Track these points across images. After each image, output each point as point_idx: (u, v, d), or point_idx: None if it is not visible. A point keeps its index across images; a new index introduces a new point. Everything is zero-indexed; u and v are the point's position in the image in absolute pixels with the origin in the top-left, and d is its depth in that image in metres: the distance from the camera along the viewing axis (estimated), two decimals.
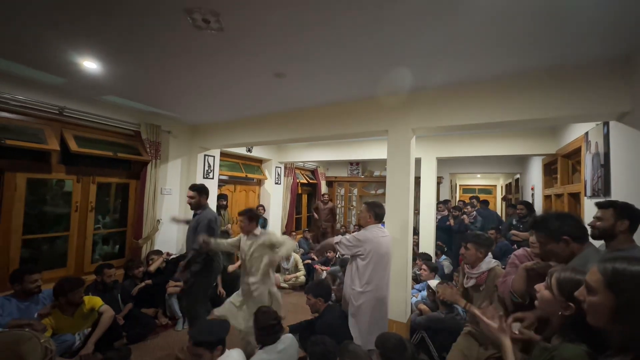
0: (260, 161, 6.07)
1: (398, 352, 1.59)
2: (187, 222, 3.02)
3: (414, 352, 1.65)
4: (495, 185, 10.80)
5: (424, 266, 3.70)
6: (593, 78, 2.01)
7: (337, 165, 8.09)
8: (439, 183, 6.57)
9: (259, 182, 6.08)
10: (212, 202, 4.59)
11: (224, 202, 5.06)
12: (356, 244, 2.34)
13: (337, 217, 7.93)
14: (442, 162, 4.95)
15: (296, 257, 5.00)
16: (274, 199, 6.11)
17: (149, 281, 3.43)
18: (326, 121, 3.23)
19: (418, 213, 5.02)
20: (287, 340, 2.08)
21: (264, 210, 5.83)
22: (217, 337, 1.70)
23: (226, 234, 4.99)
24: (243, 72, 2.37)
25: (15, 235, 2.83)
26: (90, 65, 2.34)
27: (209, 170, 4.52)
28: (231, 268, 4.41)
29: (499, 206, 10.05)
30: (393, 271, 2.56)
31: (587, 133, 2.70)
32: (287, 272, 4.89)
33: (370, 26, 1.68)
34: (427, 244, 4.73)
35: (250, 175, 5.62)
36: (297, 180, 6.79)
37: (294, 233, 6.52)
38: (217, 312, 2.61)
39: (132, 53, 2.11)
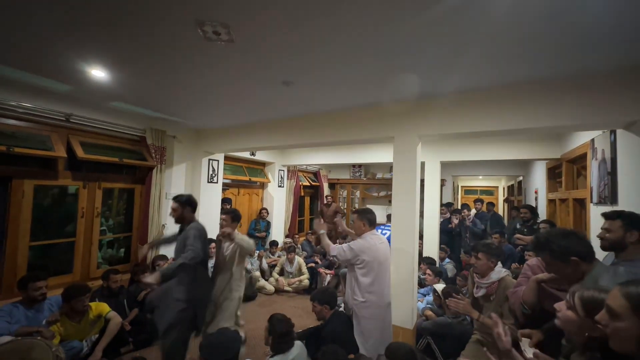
0: (263, 164, 6.08)
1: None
2: (167, 240, 2.79)
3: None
4: (497, 187, 10.81)
5: (428, 271, 3.70)
6: (601, 88, 2.01)
7: (339, 167, 8.09)
8: (442, 186, 6.58)
9: (262, 186, 6.09)
10: (216, 206, 4.60)
11: (228, 206, 5.06)
12: (350, 253, 2.30)
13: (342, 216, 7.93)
14: (445, 164, 4.95)
15: (300, 260, 5.01)
16: (277, 202, 6.12)
17: (155, 286, 3.43)
18: (332, 127, 3.24)
19: (422, 216, 5.03)
20: (298, 348, 2.08)
21: (267, 214, 5.84)
22: (231, 355, 1.65)
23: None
24: (251, 81, 2.37)
25: (23, 241, 2.84)
26: (98, 73, 2.34)
27: (213, 175, 4.53)
28: None
29: (500, 208, 10.06)
30: (399, 278, 2.57)
31: (593, 140, 2.71)
32: (290, 276, 4.89)
33: (379, 38, 1.68)
34: (431, 248, 4.73)
35: (253, 179, 5.63)
36: (300, 183, 6.80)
37: (296, 236, 6.54)
38: None
39: (141, 62, 2.12)
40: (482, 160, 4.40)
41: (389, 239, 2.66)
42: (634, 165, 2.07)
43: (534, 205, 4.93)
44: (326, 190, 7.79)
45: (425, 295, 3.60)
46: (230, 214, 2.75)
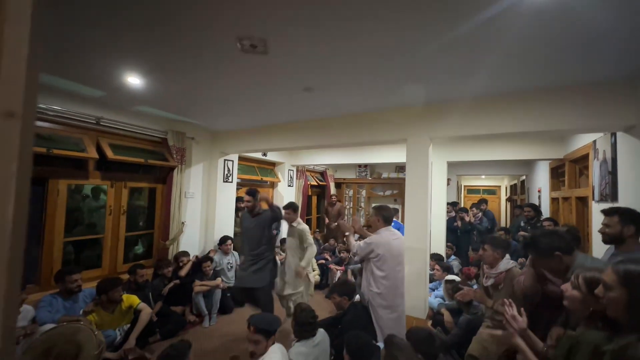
0: (273, 164, 6.26)
1: (428, 343, 1.77)
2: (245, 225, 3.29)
3: (442, 344, 1.83)
4: (499, 186, 10.96)
5: (436, 266, 3.87)
6: (603, 95, 2.18)
7: (345, 167, 8.26)
8: (447, 185, 6.74)
9: (273, 185, 6.27)
10: (231, 205, 4.79)
11: (242, 205, 5.24)
12: (367, 248, 2.48)
13: (345, 217, 8.12)
14: (449, 164, 5.12)
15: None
16: (287, 200, 6.29)
17: (177, 281, 3.62)
18: (346, 130, 3.41)
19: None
20: (321, 334, 2.26)
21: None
22: (273, 328, 1.91)
23: None
24: (275, 87, 2.55)
25: (58, 237, 3.02)
26: (133, 80, 2.52)
27: (228, 174, 4.71)
28: None
29: (503, 207, 10.21)
30: (412, 272, 2.74)
31: (595, 141, 2.87)
32: None
33: (399, 53, 1.86)
34: (438, 246, 4.90)
35: (265, 178, 5.80)
36: (308, 183, 6.98)
37: None
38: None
39: (175, 69, 2.29)
40: (487, 160, 4.56)
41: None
42: (633, 165, 2.24)
43: (537, 204, 5.09)
44: (333, 190, 7.97)
45: (434, 290, 3.77)
46: (291, 207, 3.28)
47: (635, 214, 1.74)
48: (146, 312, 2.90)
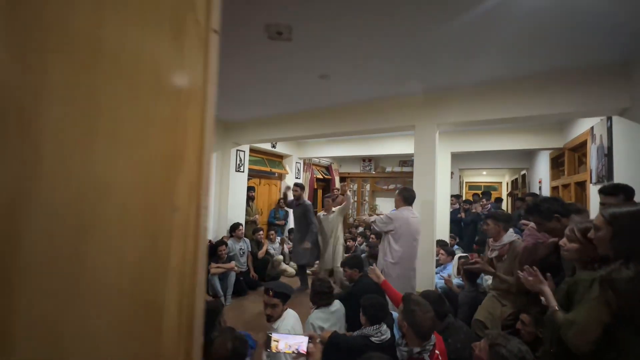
0: (281, 157, 6.44)
1: (438, 303, 1.94)
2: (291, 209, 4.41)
3: (449, 306, 2.00)
4: (500, 182, 11.12)
5: (441, 251, 4.05)
6: (599, 79, 2.36)
7: (350, 161, 8.43)
8: (451, 177, 6.91)
9: (281, 177, 6.45)
10: (242, 193, 4.97)
11: (252, 194, 5.43)
12: (387, 221, 2.73)
13: (350, 210, 8.30)
14: (452, 157, 5.29)
15: None
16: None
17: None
18: (356, 117, 3.59)
19: None
20: (337, 304, 2.44)
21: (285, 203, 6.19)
22: (290, 292, 2.07)
23: (254, 224, 5.36)
24: (293, 74, 2.72)
25: None
26: None
27: (240, 164, 4.89)
28: (260, 254, 4.78)
29: (505, 202, 10.38)
30: (421, 249, 2.91)
31: (592, 127, 3.05)
32: None
33: (411, 40, 2.04)
34: (442, 235, 5.06)
35: (273, 170, 5.98)
36: (314, 176, 7.16)
37: None
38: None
39: None
40: (489, 150, 4.74)
41: None
42: (626, 147, 2.41)
43: (537, 193, 5.26)
44: (337, 184, 8.14)
45: (438, 273, 3.95)
46: (330, 197, 4.32)
47: (622, 187, 1.89)
48: None
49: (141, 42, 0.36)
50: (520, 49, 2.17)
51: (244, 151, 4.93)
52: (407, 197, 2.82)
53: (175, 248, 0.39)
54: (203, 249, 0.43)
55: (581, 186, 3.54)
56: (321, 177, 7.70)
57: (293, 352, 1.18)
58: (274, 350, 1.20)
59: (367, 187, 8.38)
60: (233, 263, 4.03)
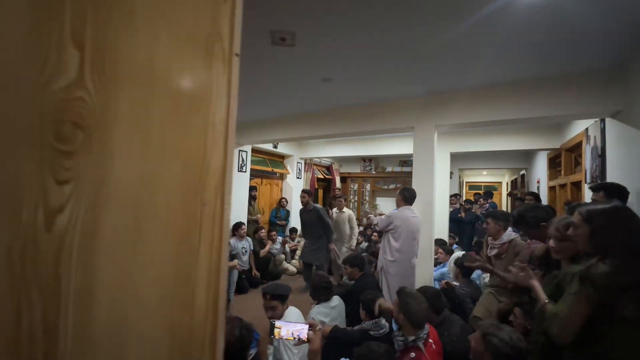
0: (283, 157, 6.52)
1: (435, 298, 2.02)
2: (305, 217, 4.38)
3: (446, 301, 2.08)
4: (500, 182, 11.18)
5: (440, 250, 4.12)
6: (592, 82, 2.44)
7: (350, 161, 8.51)
8: (450, 177, 6.99)
9: (282, 177, 6.53)
10: (245, 193, 5.06)
11: (254, 193, 5.51)
12: (388, 220, 2.83)
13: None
14: (452, 157, 5.36)
15: None
16: (296, 192, 6.55)
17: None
18: (357, 119, 3.67)
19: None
20: (337, 299, 2.52)
21: (287, 203, 6.28)
22: (287, 293, 2.12)
23: (255, 223, 5.45)
24: (297, 78, 2.81)
25: None
26: None
27: (242, 164, 4.97)
28: (262, 253, 4.86)
29: (504, 202, 10.44)
30: (420, 247, 2.99)
31: (587, 129, 3.12)
32: None
33: (412, 45, 2.12)
34: (441, 234, 5.14)
35: (275, 170, 6.07)
36: (315, 176, 7.25)
37: None
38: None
39: None
40: (488, 151, 4.81)
41: None
42: (619, 148, 2.48)
43: (537, 193, 5.33)
44: (338, 184, 8.23)
45: (435, 272, 4.03)
46: (339, 197, 4.60)
47: (617, 187, 1.98)
48: None
49: (182, 67, 0.45)
50: (516, 53, 2.25)
51: (246, 151, 5.02)
52: (407, 197, 2.90)
53: (205, 235, 0.47)
54: (226, 236, 0.51)
55: (577, 186, 3.62)
56: (322, 177, 7.78)
57: (294, 338, 1.26)
58: (276, 337, 1.28)
59: (368, 187, 8.46)
60: (235, 261, 4.12)
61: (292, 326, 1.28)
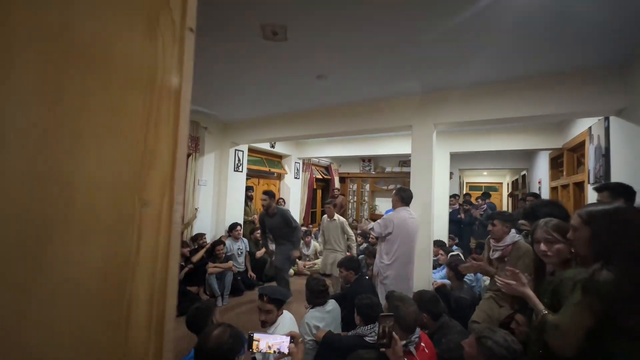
0: (280, 157, 6.44)
1: (433, 303, 1.94)
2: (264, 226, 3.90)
3: (444, 306, 2.00)
4: (501, 183, 11.10)
5: (440, 251, 4.04)
6: (595, 79, 2.35)
7: (349, 161, 8.43)
8: (450, 178, 6.90)
9: (280, 177, 6.46)
10: (241, 193, 4.98)
11: (251, 194, 5.43)
12: (384, 224, 2.70)
13: (349, 211, 8.31)
14: (452, 157, 5.28)
15: (315, 244, 5.37)
16: (293, 192, 6.48)
17: (191, 266, 3.81)
18: (354, 118, 3.59)
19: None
20: (333, 304, 2.44)
21: (284, 203, 6.20)
22: (285, 298, 2.04)
23: (252, 224, 5.37)
24: (290, 74, 2.73)
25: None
26: None
27: (239, 164, 4.90)
28: (258, 254, 4.78)
29: (505, 202, 10.35)
30: (418, 249, 2.91)
31: (590, 127, 3.04)
32: (307, 259, 5.26)
33: (407, 40, 2.04)
34: (441, 235, 5.06)
35: (272, 170, 5.99)
36: (313, 176, 7.17)
37: (310, 226, 6.90)
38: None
39: (198, 59, 2.47)
40: (488, 151, 4.72)
41: None
42: (624, 147, 2.40)
43: (538, 194, 5.24)
44: (337, 184, 8.14)
45: (435, 274, 3.94)
46: (331, 203, 3.96)
47: (623, 187, 1.90)
48: None
49: (113, 37, 0.37)
50: (516, 50, 2.17)
51: (243, 151, 4.95)
52: (404, 198, 2.81)
53: (146, 243, 0.39)
54: (176, 243, 0.43)
55: (579, 187, 3.53)
56: (320, 177, 7.70)
57: (274, 352, 1.18)
58: (254, 350, 1.19)
59: (367, 187, 8.38)
60: (231, 263, 4.04)
61: (271, 338, 1.19)
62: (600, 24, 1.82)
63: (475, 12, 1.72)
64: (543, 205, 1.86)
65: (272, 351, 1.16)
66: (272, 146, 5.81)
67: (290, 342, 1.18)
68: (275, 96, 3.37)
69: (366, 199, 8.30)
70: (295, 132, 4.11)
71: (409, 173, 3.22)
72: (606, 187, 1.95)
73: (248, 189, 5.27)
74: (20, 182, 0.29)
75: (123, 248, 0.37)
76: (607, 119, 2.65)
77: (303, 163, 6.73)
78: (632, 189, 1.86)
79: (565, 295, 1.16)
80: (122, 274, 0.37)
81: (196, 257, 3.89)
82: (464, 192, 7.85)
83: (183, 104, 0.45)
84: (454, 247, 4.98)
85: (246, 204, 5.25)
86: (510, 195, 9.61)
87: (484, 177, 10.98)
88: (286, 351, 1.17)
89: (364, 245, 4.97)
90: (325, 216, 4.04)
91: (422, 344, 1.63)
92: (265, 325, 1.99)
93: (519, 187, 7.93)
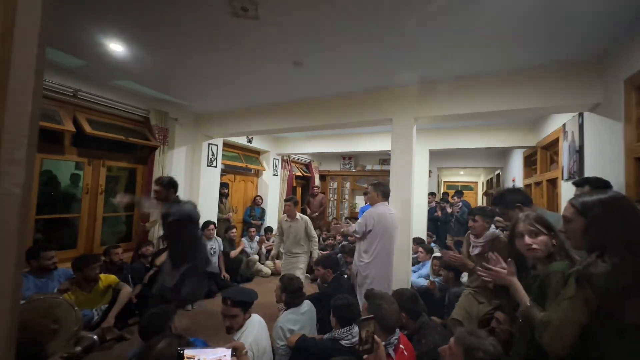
0: (258, 153, 6.20)
1: (412, 302, 1.84)
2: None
3: (423, 305, 1.91)
4: (476, 182, 11.45)
5: (420, 249, 4.00)
6: (572, 74, 2.36)
7: (330, 159, 8.33)
8: (429, 176, 6.96)
9: (257, 173, 6.22)
10: (215, 189, 4.70)
11: (226, 191, 5.17)
12: (364, 222, 2.62)
13: (329, 209, 8.20)
14: (431, 156, 5.29)
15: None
16: (272, 190, 6.26)
17: (157, 268, 3.51)
18: (332, 111, 3.45)
19: None
20: (308, 304, 2.29)
21: (262, 201, 5.97)
22: (251, 300, 1.85)
23: (227, 222, 5.11)
24: (265, 59, 2.54)
25: (29, 214, 2.85)
26: (116, 47, 2.43)
27: (213, 159, 4.62)
28: (233, 254, 4.54)
29: (480, 201, 10.67)
30: (397, 247, 2.82)
31: (564, 124, 3.08)
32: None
33: (385, 27, 1.93)
34: (420, 232, 5.05)
35: (250, 166, 5.74)
36: (293, 173, 6.98)
37: None
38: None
39: (159, 34, 2.20)
40: (466, 149, 4.76)
41: None
42: (598, 142, 2.43)
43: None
44: (317, 182, 8.00)
45: (415, 272, 3.89)
46: (287, 202, 3.52)
47: (603, 182, 1.89)
48: (126, 290, 2.81)
49: None
50: (496, 44, 2.14)
51: (217, 145, 4.68)
52: (384, 192, 2.73)
53: None
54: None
55: (552, 183, 3.60)
56: (300, 174, 7.52)
57: None
58: None
59: (347, 185, 8.31)
60: None
61: (209, 353, 1.00)
62: (578, 17, 1.80)
63: (453, 2, 1.64)
64: (509, 192, 2.01)
65: None
66: (250, 141, 5.57)
67: (232, 355, 1.01)
68: (249, 84, 3.17)
69: (347, 197, 8.23)
70: (273, 125, 3.92)
71: (389, 171, 3.13)
72: (587, 181, 1.93)
73: (223, 185, 5.01)
74: None
75: None
76: (581, 115, 2.69)
77: (282, 159, 6.53)
78: (609, 183, 1.86)
79: (554, 291, 1.08)
80: None
81: (160, 260, 3.59)
82: (442, 191, 7.98)
83: None
84: (432, 244, 5.00)
85: (220, 201, 4.98)
86: (485, 193, 9.91)
87: (460, 177, 11.27)
88: None
89: (343, 242, 4.85)
90: (284, 216, 3.46)
91: (401, 345, 1.53)
92: (231, 331, 1.81)
93: (494, 185, 8.17)
